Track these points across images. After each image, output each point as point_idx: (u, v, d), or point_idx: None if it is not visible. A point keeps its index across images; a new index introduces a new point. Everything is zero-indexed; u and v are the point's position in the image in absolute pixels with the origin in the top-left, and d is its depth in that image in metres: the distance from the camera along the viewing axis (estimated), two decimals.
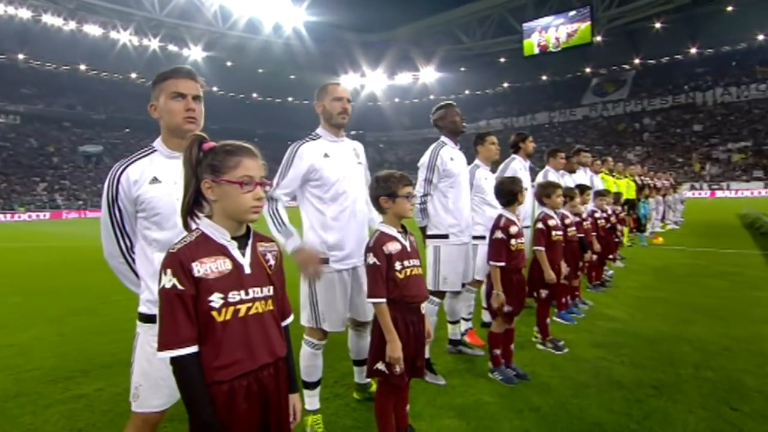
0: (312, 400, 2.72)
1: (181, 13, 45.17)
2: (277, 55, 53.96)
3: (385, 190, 2.22)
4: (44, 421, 2.87)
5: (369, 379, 2.97)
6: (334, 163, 2.64)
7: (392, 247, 2.17)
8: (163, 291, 1.27)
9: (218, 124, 48.55)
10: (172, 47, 49.59)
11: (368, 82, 65.39)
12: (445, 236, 3.51)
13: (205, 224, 1.37)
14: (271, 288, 1.42)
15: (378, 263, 2.14)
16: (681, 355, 3.64)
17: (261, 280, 1.39)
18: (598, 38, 47.83)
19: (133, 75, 53.80)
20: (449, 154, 3.58)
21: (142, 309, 1.83)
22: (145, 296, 1.83)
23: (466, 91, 59.02)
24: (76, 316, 5.48)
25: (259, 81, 59.29)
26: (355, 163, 2.77)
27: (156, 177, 1.79)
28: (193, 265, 1.28)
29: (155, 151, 1.86)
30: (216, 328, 1.29)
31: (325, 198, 2.62)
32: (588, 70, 55.64)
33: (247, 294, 1.34)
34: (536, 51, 48.66)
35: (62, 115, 50.90)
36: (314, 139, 2.69)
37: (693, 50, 49.05)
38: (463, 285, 3.70)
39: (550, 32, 47.89)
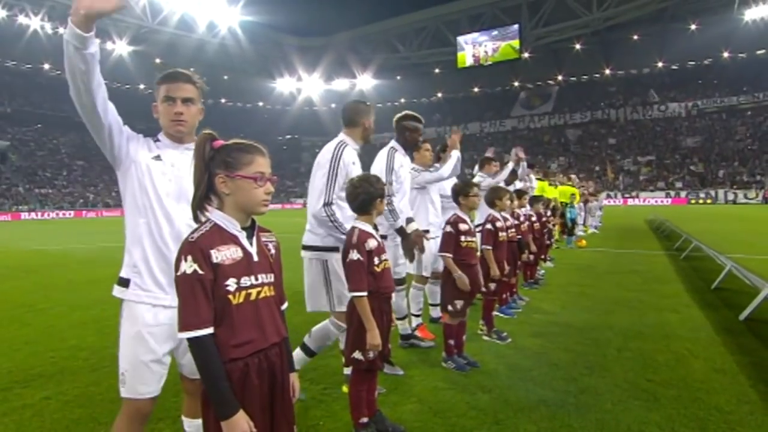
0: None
1: None
2: (211, 54, 51.76)
3: (378, 192, 2.40)
4: None
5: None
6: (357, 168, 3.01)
7: (372, 244, 2.36)
8: (183, 276, 1.36)
9: (144, 124, 45.15)
10: None
11: (305, 86, 64.67)
12: (384, 237, 3.72)
13: (217, 216, 1.48)
14: (272, 275, 1.55)
15: (361, 258, 2.30)
16: (605, 339, 4.14)
17: (266, 267, 1.52)
18: (526, 54, 51.13)
19: (46, 66, 48.85)
20: (399, 161, 3.82)
21: (122, 273, 1.88)
22: (126, 261, 1.89)
23: (402, 99, 60.11)
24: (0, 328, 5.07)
25: None
26: None
27: (159, 156, 1.91)
28: (212, 252, 1.39)
29: (159, 141, 1.98)
30: (232, 311, 1.40)
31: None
32: (516, 84, 58.93)
33: (256, 279, 1.47)
34: (470, 62, 50.86)
35: None
36: (346, 145, 3.00)
37: (607, 71, 53.78)
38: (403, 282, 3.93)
39: (479, 47, 50.41)
